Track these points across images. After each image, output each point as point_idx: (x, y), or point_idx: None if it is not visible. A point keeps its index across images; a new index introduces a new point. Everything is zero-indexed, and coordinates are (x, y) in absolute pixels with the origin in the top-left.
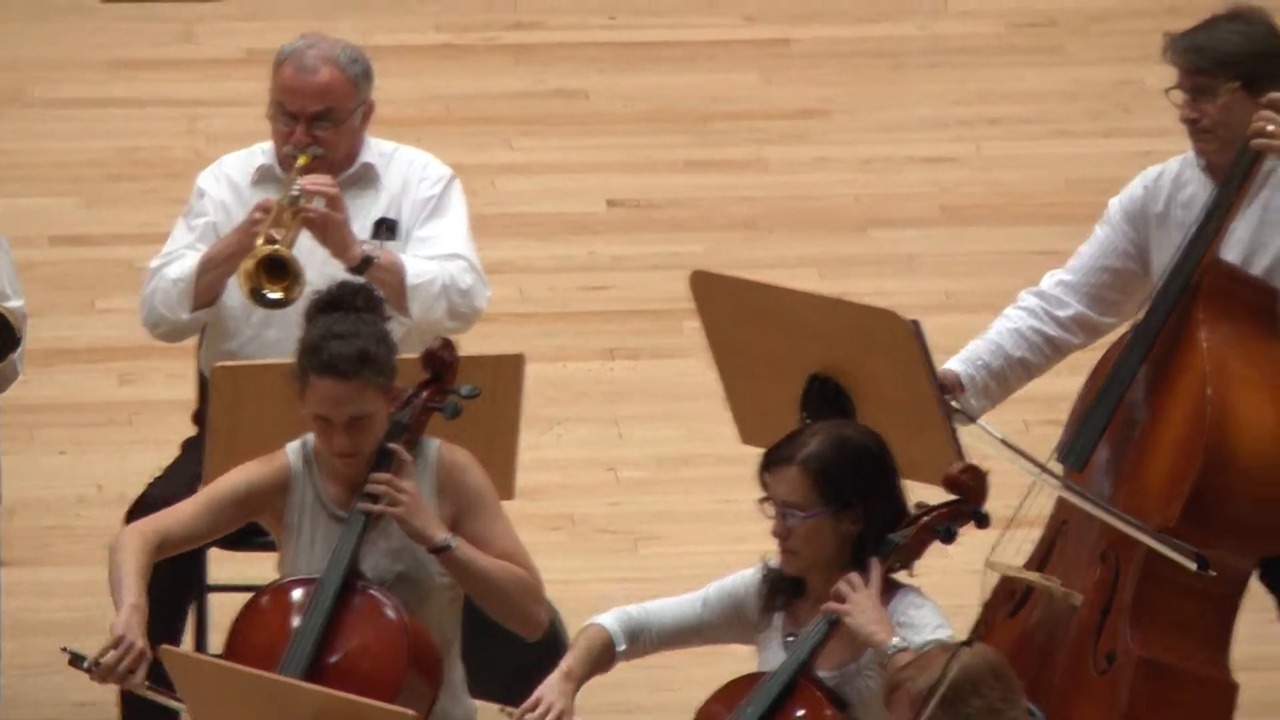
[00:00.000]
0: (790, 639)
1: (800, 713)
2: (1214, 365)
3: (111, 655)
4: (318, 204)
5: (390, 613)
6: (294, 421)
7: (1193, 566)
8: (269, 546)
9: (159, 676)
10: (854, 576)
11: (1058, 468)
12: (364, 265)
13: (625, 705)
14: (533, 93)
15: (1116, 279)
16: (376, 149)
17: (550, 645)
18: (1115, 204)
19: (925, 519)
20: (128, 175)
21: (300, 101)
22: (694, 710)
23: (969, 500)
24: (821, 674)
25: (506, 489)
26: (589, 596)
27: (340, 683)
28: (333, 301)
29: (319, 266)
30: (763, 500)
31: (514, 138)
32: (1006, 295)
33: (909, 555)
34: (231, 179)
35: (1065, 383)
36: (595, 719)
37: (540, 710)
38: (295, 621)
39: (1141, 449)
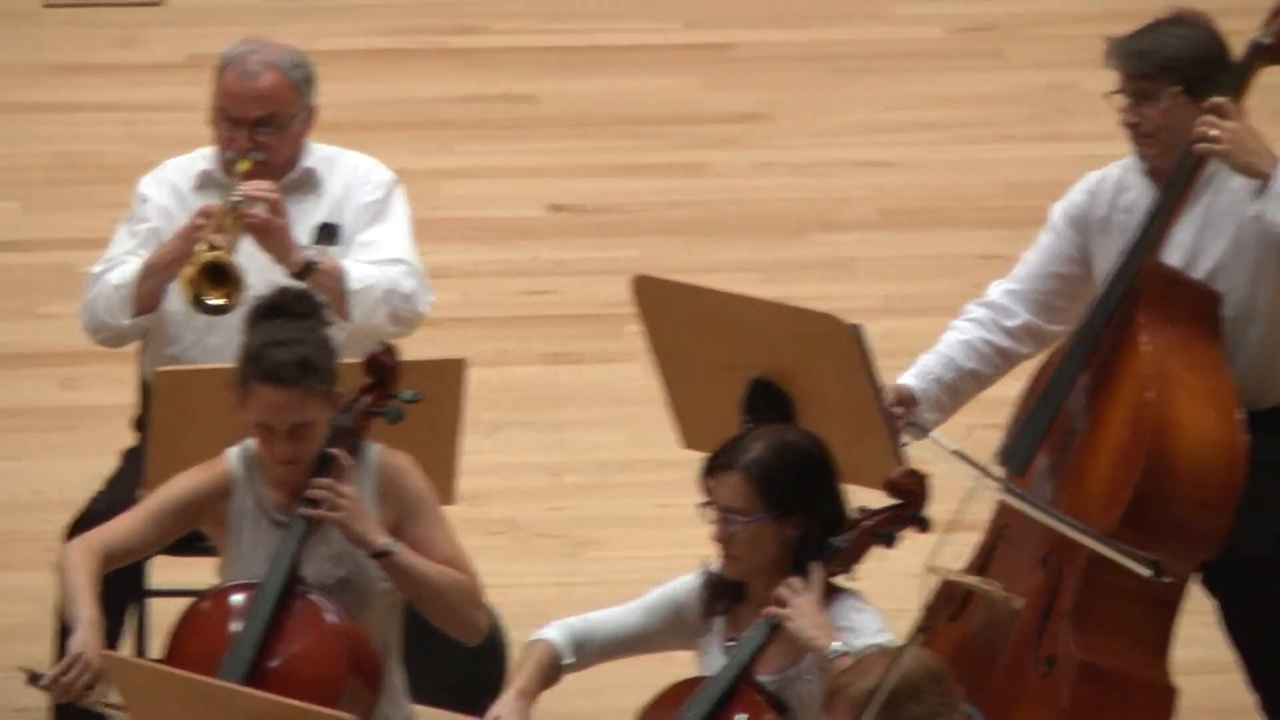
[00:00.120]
0: (731, 644)
1: (741, 717)
2: (1155, 369)
3: (72, 673)
4: (259, 209)
5: (331, 617)
6: (235, 426)
7: (1147, 573)
8: (210, 551)
9: None
10: (795, 581)
11: (1002, 473)
12: (306, 271)
13: (562, 712)
14: (476, 97)
15: (1064, 285)
16: (319, 154)
17: (490, 650)
18: (1058, 210)
19: (866, 523)
20: (68, 180)
21: (242, 107)
22: (633, 715)
23: (910, 504)
24: (762, 678)
25: (448, 494)
26: (530, 601)
27: (281, 688)
28: (273, 307)
29: (261, 272)
30: (704, 505)
31: (457, 142)
32: (946, 299)
33: (850, 560)
34: (174, 184)
35: (1007, 387)
36: None
37: None
38: (236, 626)
39: (1083, 453)
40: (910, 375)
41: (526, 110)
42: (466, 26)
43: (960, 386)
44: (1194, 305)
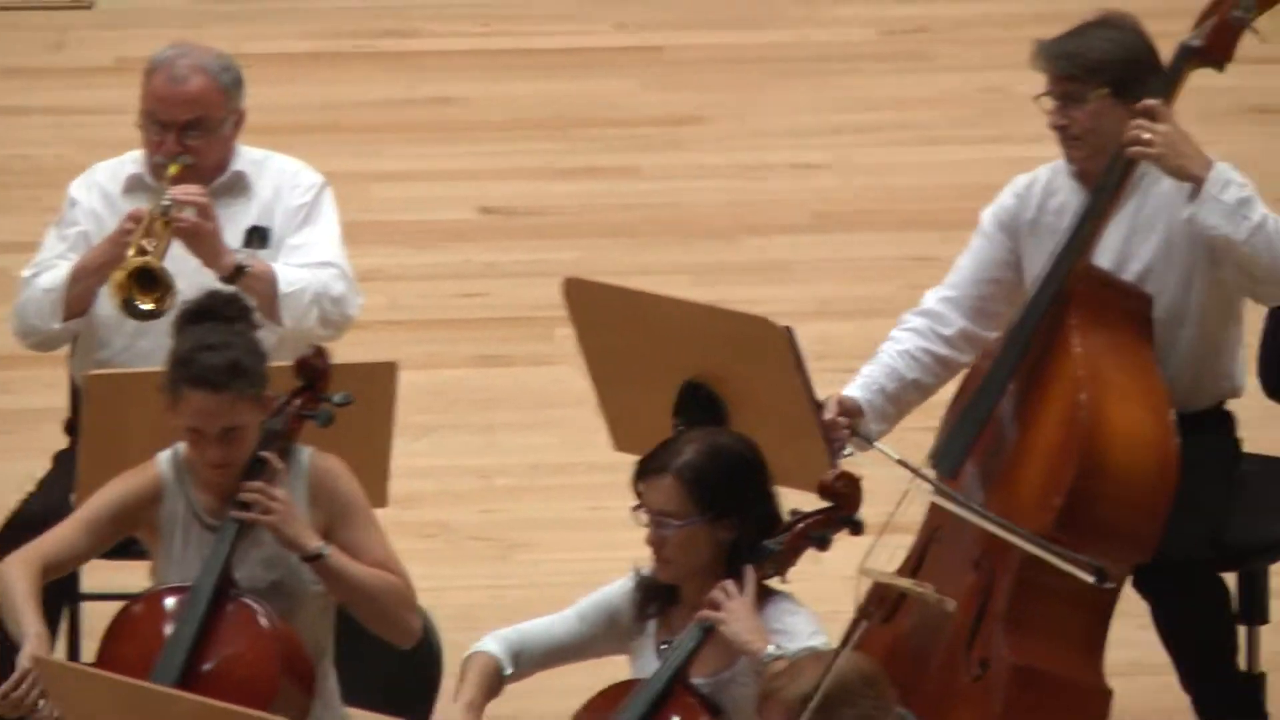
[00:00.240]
0: (664, 646)
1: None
2: (1087, 371)
3: (23, 688)
4: (189, 213)
5: (263, 621)
6: (166, 430)
7: (1091, 579)
8: (142, 555)
9: None
10: (729, 584)
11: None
12: (236, 274)
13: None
14: (405, 100)
15: (998, 290)
16: (248, 157)
17: (423, 653)
18: (988, 214)
19: (800, 526)
20: None
21: (171, 111)
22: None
23: (843, 507)
24: (696, 681)
25: (379, 497)
26: (462, 604)
27: (214, 691)
28: (202, 311)
29: (191, 276)
30: (636, 508)
31: (386, 145)
32: (879, 301)
33: (784, 562)
34: (103, 187)
35: (943, 390)
36: None
37: None
38: (168, 629)
39: (1015, 456)
40: (855, 387)
41: (457, 113)
42: (395, 29)
43: (904, 396)
44: (1125, 307)
